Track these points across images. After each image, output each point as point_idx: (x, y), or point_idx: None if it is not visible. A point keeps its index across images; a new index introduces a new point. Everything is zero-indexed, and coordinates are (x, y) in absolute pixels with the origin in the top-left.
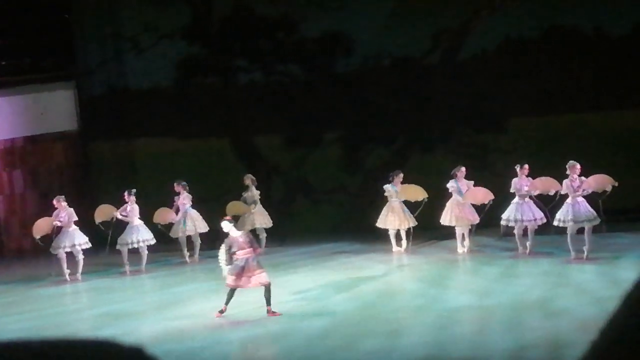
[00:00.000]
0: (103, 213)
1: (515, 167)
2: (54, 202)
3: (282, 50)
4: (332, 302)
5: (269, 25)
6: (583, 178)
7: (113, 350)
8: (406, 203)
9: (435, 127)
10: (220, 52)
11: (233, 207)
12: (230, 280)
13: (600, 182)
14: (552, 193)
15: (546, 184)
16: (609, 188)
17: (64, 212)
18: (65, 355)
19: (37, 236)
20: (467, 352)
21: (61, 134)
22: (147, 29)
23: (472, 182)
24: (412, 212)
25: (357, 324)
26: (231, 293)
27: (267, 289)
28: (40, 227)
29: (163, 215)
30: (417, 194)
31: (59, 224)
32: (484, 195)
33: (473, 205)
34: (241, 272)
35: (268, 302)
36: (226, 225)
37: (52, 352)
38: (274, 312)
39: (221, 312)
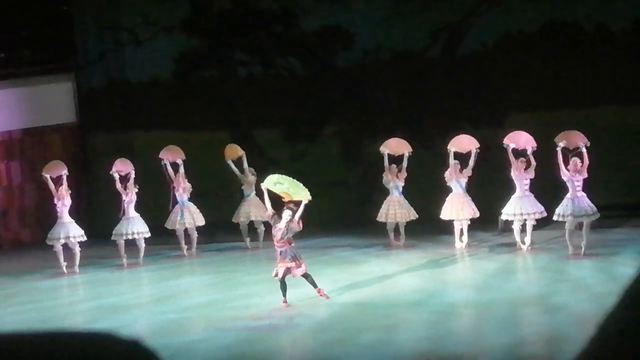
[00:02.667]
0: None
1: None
2: (63, 189)
3: (282, 43)
4: (329, 296)
5: (268, 18)
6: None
7: (110, 342)
8: (405, 195)
9: (434, 121)
10: (219, 45)
11: (230, 149)
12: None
13: (574, 138)
14: (529, 151)
15: (521, 139)
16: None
17: (62, 201)
18: (63, 348)
19: (44, 173)
20: (464, 347)
21: (60, 126)
22: (147, 22)
23: (467, 174)
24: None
25: (353, 319)
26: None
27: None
28: (55, 167)
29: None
30: (401, 147)
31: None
32: (468, 142)
33: (472, 198)
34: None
35: (314, 285)
36: (287, 213)
37: (49, 344)
38: (323, 293)
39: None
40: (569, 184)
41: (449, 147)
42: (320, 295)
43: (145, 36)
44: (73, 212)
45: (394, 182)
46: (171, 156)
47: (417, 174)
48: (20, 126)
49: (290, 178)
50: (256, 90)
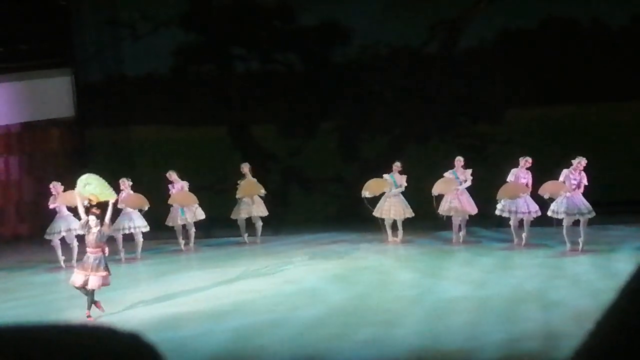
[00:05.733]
0: (135, 202)
1: (520, 158)
2: (51, 187)
3: (279, 39)
4: (327, 292)
5: (266, 13)
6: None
7: (110, 336)
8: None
9: (432, 117)
10: (217, 40)
11: (249, 187)
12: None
13: (556, 189)
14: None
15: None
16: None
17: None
18: (62, 341)
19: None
20: (461, 343)
21: (58, 121)
22: (145, 16)
23: (470, 171)
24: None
25: (351, 314)
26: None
27: (92, 294)
28: (67, 198)
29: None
30: (380, 187)
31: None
32: (447, 186)
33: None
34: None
35: (89, 306)
36: (92, 220)
37: (48, 337)
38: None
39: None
40: (566, 182)
41: (434, 191)
42: (87, 317)
43: (143, 31)
44: (71, 207)
45: (395, 179)
46: (185, 203)
47: (414, 170)
48: (19, 120)
49: (97, 177)
50: (253, 86)
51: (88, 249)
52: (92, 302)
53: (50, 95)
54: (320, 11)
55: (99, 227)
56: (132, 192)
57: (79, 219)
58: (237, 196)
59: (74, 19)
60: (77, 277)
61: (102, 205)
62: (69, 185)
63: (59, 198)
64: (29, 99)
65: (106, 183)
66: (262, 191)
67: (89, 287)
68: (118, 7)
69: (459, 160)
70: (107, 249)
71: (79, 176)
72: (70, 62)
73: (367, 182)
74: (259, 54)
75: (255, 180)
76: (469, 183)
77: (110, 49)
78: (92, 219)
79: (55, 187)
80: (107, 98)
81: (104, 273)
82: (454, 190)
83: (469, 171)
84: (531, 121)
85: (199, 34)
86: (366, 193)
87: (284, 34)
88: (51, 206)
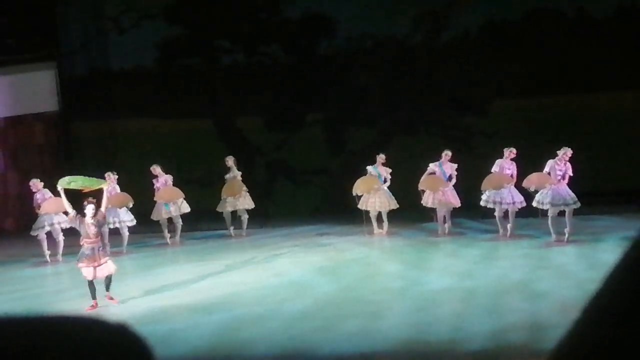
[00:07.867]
0: (119, 201)
1: (504, 149)
2: (30, 185)
3: (265, 31)
4: (313, 284)
5: (251, 6)
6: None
7: (98, 326)
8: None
9: (418, 109)
10: (202, 33)
11: (231, 189)
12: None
13: (542, 181)
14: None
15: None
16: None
17: (40, 194)
18: (49, 331)
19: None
20: (447, 334)
21: (42, 114)
22: (129, 10)
23: (456, 165)
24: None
25: (338, 306)
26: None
27: (110, 278)
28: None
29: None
30: (370, 184)
31: (38, 209)
32: (435, 184)
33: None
34: (90, 261)
35: (107, 288)
36: (90, 209)
37: (34, 326)
38: (112, 298)
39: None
40: (551, 173)
41: (420, 185)
42: (111, 300)
43: (128, 24)
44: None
45: (379, 171)
46: (172, 199)
47: (400, 161)
48: (2, 114)
49: (80, 176)
50: (239, 78)
51: (87, 240)
52: (109, 283)
53: (35, 89)
54: (305, 3)
55: (93, 217)
56: (117, 186)
57: (66, 213)
58: (222, 196)
59: (59, 13)
60: (87, 270)
61: (96, 194)
62: (53, 179)
63: (45, 205)
64: (13, 93)
65: (93, 178)
66: (245, 189)
67: (105, 274)
68: (103, 0)
69: (447, 155)
70: (100, 237)
71: (64, 170)
72: (54, 55)
73: (357, 181)
74: (244, 46)
75: (239, 179)
76: (454, 180)
77: (95, 42)
78: (90, 208)
79: (35, 184)
80: (92, 91)
81: (107, 257)
82: (440, 189)
83: (455, 165)
84: (516, 112)
85: (184, 26)
86: (357, 192)
87: (269, 27)
88: (38, 211)
